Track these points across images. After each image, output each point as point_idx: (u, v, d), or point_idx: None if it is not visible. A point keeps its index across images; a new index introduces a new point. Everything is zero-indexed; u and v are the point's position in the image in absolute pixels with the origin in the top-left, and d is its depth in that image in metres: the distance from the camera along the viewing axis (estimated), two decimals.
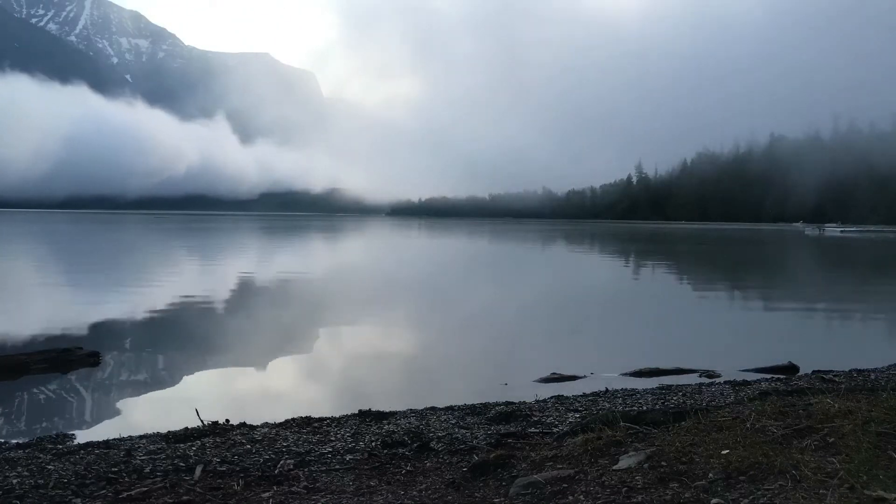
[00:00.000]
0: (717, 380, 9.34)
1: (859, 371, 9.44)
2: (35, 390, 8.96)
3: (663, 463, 4.19)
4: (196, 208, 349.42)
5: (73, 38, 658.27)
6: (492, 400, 7.89)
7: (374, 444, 5.92)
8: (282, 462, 5.38)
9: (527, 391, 8.66)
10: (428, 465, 5.27)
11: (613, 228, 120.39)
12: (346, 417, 7.08)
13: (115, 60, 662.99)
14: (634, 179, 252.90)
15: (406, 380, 10.02)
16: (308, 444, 5.99)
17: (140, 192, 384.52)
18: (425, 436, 6.09)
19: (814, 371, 9.62)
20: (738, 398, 7.47)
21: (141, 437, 6.41)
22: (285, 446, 5.89)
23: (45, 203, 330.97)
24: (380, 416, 7.00)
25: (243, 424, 6.79)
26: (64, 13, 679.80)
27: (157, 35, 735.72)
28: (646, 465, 4.21)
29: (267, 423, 6.89)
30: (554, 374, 9.62)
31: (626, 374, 9.75)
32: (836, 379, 8.61)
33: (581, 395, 8.21)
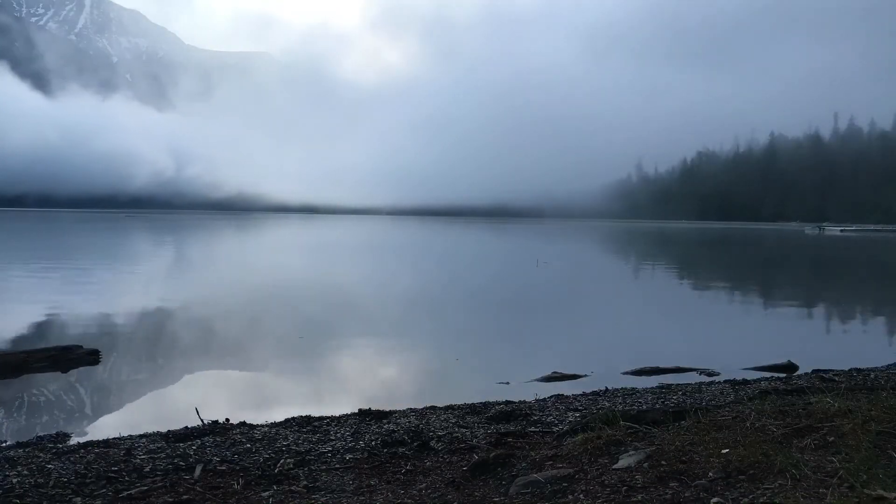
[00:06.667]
0: (717, 378, 9.34)
1: (859, 370, 9.43)
2: (35, 389, 8.96)
3: (663, 462, 4.19)
4: (201, 207, 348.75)
5: (72, 37, 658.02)
6: (492, 399, 7.89)
7: (374, 443, 5.92)
8: (282, 461, 5.38)
9: (527, 390, 8.67)
10: (428, 464, 5.27)
11: (613, 227, 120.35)
12: (346, 417, 7.09)
13: (115, 59, 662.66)
14: (634, 178, 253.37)
15: (406, 379, 10.03)
16: (308, 443, 5.99)
17: (139, 193, 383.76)
18: (425, 435, 6.09)
19: (813, 370, 9.63)
20: (737, 397, 7.47)
21: (141, 436, 6.41)
22: (285, 445, 5.89)
23: (48, 202, 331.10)
24: (380, 416, 7.00)
25: (243, 423, 6.79)
26: (64, 12, 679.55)
27: (157, 34, 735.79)
28: (645, 465, 4.21)
29: (267, 422, 6.89)
30: (555, 373, 9.62)
31: (626, 373, 9.76)
32: (836, 378, 8.60)
33: (581, 394, 8.21)
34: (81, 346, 10.42)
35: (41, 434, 6.76)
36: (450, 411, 7.25)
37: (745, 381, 8.90)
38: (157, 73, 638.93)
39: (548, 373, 9.62)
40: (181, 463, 5.36)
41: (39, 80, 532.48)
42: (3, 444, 6.32)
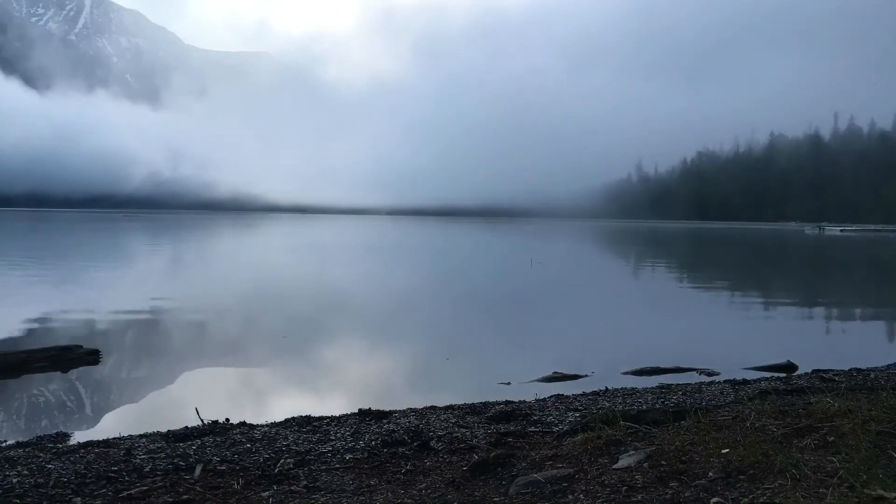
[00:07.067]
0: (717, 378, 9.34)
1: (859, 370, 9.43)
2: (35, 389, 8.96)
3: (663, 462, 4.19)
4: (198, 207, 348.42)
5: (72, 37, 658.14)
6: (492, 399, 7.89)
7: (374, 443, 5.92)
8: (282, 461, 5.38)
9: (527, 390, 8.67)
10: (428, 464, 5.26)
11: (612, 227, 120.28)
12: (346, 416, 7.08)
13: (114, 59, 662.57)
14: (634, 178, 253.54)
15: (406, 379, 10.03)
16: (308, 443, 5.99)
17: (136, 193, 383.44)
18: (425, 435, 6.09)
19: (813, 370, 9.63)
20: (737, 397, 7.47)
21: (141, 436, 6.41)
22: (285, 445, 5.89)
23: (44, 203, 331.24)
24: (380, 416, 7.00)
25: (243, 423, 6.79)
26: (64, 12, 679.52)
27: (157, 34, 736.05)
28: (645, 465, 4.21)
29: (267, 422, 6.89)
30: (556, 373, 9.63)
31: (626, 373, 9.76)
32: (836, 378, 8.60)
33: (581, 394, 8.21)
34: (81, 346, 10.41)
35: (41, 434, 6.75)
36: (450, 411, 7.24)
37: (745, 381, 8.90)
38: (156, 74, 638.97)
39: (548, 373, 9.62)
40: (181, 463, 5.36)
41: (39, 80, 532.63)
42: (3, 444, 6.31)
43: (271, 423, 6.86)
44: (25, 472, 5.17)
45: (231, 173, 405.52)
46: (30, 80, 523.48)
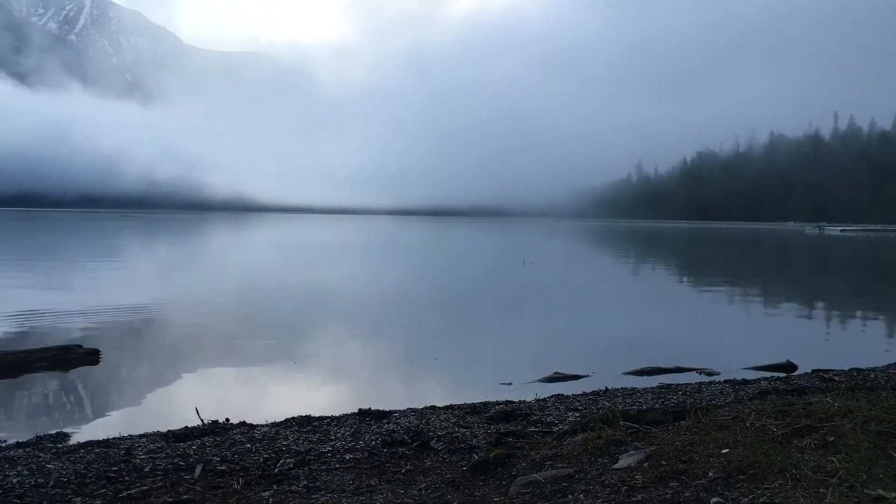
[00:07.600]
0: (717, 378, 9.34)
1: (859, 370, 9.43)
2: (34, 389, 8.95)
3: (663, 462, 4.19)
4: (196, 208, 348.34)
5: (72, 36, 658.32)
6: (492, 399, 7.89)
7: (374, 443, 5.92)
8: (282, 461, 5.38)
9: (527, 390, 8.67)
10: (428, 463, 5.27)
11: (612, 227, 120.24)
12: (346, 416, 7.08)
13: (114, 59, 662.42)
14: (634, 178, 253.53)
15: (406, 379, 10.02)
16: (308, 443, 5.99)
17: (134, 193, 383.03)
18: (425, 435, 6.09)
19: (813, 370, 9.62)
20: (737, 397, 7.47)
21: (141, 435, 6.41)
22: (285, 445, 5.89)
23: (42, 202, 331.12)
24: (380, 415, 7.00)
25: (243, 423, 6.79)
26: (64, 12, 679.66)
27: (158, 34, 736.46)
28: (645, 464, 4.21)
29: (267, 422, 6.89)
30: (556, 373, 9.63)
31: (626, 373, 9.76)
32: (836, 378, 8.60)
33: (581, 394, 8.21)
34: (81, 346, 10.41)
35: (41, 434, 6.74)
36: (450, 411, 7.24)
37: (745, 381, 8.90)
38: (156, 74, 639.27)
39: (548, 373, 9.62)
40: (181, 463, 5.36)
41: (37, 80, 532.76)
42: (3, 444, 6.31)
43: (271, 423, 6.86)
44: (25, 472, 5.17)
45: (227, 173, 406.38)
46: (29, 80, 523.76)
